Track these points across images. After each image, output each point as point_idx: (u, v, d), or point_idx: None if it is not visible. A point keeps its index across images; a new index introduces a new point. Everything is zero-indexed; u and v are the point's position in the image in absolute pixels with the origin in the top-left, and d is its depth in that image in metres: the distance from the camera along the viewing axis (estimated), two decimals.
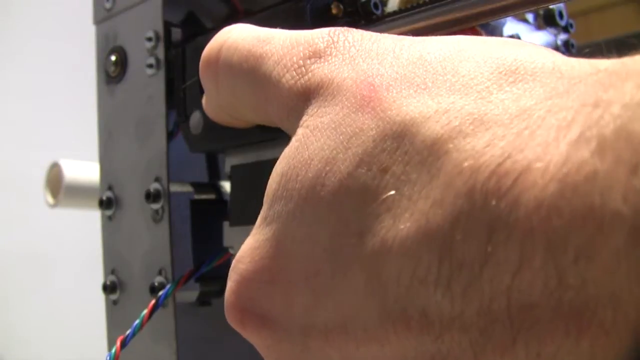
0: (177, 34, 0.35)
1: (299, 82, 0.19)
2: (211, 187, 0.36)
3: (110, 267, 0.37)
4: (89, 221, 0.65)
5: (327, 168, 0.16)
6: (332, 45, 0.19)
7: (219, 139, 0.30)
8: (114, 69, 0.37)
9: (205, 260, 0.33)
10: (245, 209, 0.29)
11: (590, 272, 0.12)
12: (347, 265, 0.16)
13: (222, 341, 0.37)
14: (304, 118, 0.18)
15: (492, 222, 0.13)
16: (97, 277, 0.40)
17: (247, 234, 0.29)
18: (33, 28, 1.29)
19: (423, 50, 0.17)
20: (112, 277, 0.37)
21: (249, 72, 0.21)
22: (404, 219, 0.15)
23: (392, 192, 0.15)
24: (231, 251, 0.31)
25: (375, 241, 0.15)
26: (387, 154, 0.15)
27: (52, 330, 1.25)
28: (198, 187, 0.35)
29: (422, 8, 0.24)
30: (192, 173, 0.37)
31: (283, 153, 0.18)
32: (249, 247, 0.19)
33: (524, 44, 0.17)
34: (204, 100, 0.25)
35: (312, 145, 0.17)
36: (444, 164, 0.14)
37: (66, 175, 0.58)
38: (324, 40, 0.19)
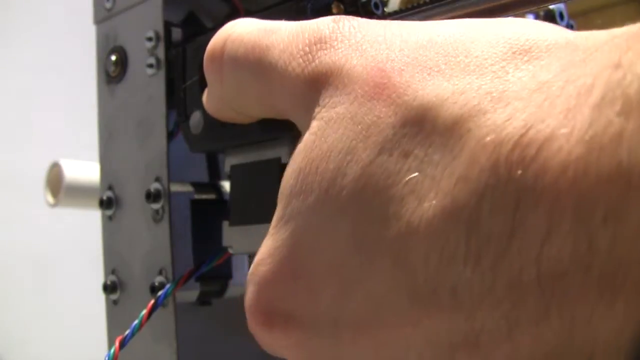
0: (177, 33, 0.35)
1: (306, 69, 0.18)
2: (211, 187, 0.36)
3: (111, 267, 0.37)
4: (89, 221, 0.65)
5: (348, 157, 0.16)
6: (338, 32, 0.18)
7: (219, 138, 0.30)
8: (114, 69, 0.37)
9: (205, 260, 0.33)
10: (245, 209, 0.29)
11: (621, 232, 0.12)
12: (373, 252, 0.15)
13: (222, 341, 0.37)
14: (317, 109, 0.18)
15: (518, 192, 0.13)
16: (97, 277, 0.40)
17: (246, 234, 0.29)
18: (33, 28, 1.29)
19: (432, 32, 0.17)
20: (112, 277, 0.37)
21: (255, 63, 0.20)
22: (428, 199, 0.14)
23: (416, 174, 0.15)
24: (231, 251, 0.31)
25: (401, 224, 0.15)
26: (408, 139, 0.15)
27: (52, 330, 1.25)
28: (198, 187, 0.35)
29: (422, 8, 0.24)
30: (192, 173, 0.37)
31: (297, 148, 0.18)
32: (269, 248, 0.18)
33: (531, 22, 0.16)
34: (205, 96, 0.25)
35: (330, 137, 0.17)
36: (466, 142, 0.14)
37: (66, 175, 0.58)
38: (328, 27, 0.19)
